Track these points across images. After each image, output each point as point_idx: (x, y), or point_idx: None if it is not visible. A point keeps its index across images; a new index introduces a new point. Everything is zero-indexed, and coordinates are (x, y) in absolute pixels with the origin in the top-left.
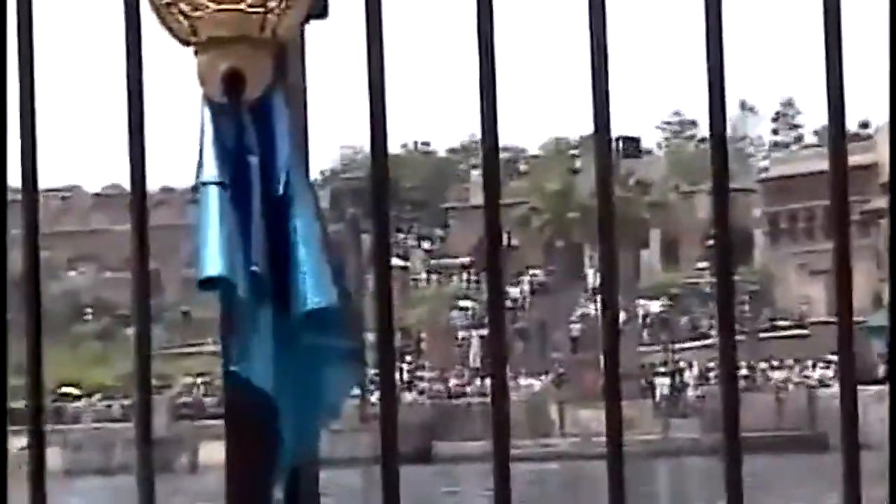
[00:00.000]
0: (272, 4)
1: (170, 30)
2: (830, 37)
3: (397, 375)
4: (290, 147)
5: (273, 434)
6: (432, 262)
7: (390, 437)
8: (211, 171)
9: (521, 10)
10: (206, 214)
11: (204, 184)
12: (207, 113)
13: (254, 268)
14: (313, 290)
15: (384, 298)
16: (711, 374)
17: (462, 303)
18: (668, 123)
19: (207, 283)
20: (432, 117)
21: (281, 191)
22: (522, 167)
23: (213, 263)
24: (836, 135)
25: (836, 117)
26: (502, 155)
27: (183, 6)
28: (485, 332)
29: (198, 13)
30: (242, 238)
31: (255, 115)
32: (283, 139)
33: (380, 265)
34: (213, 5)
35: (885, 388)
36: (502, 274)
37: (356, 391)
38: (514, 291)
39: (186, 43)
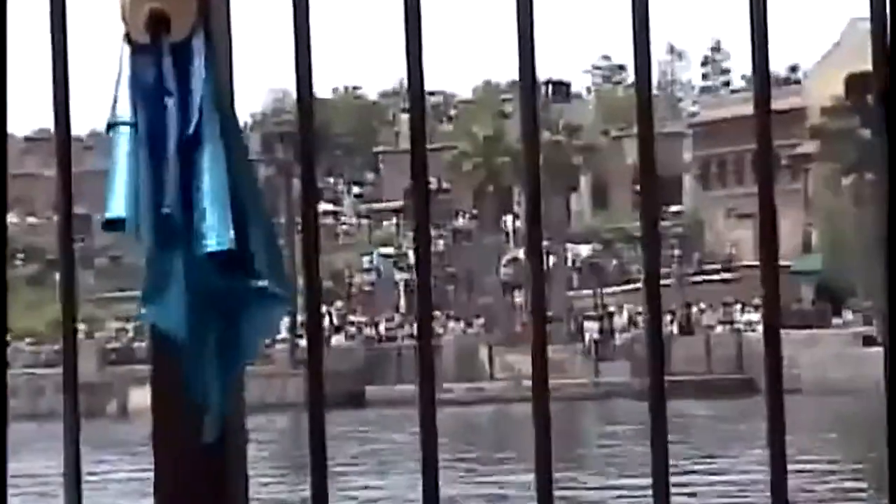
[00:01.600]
0: None
1: None
2: None
3: (327, 320)
4: (210, 90)
5: (195, 378)
6: (363, 206)
7: (317, 381)
8: (125, 111)
9: None
10: (117, 155)
11: (116, 124)
12: (127, 52)
13: (165, 209)
14: (213, 233)
15: (310, 242)
16: (640, 319)
17: (384, 249)
18: (598, 68)
19: (112, 225)
20: (363, 61)
21: (195, 133)
22: (452, 112)
23: (118, 205)
24: (761, 80)
25: (761, 63)
26: (432, 99)
27: None
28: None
29: None
30: (154, 180)
31: (176, 56)
32: (203, 82)
33: (306, 208)
34: None
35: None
36: (429, 218)
37: (283, 335)
38: (443, 236)
39: None
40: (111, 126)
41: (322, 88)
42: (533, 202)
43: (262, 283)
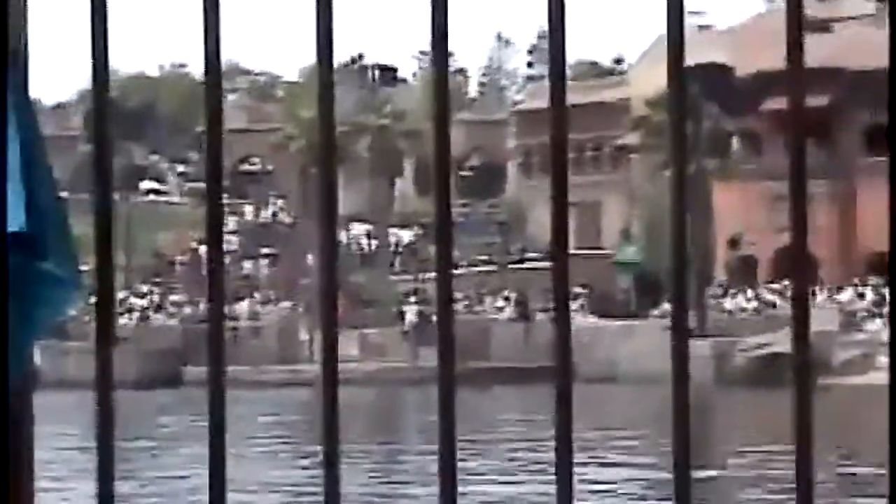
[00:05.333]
0: None
1: None
2: None
3: (147, 300)
4: (1, 64)
5: None
6: (187, 185)
7: (105, 357)
8: None
9: None
10: None
11: None
12: None
13: None
14: (7, 213)
15: (102, 219)
16: (460, 305)
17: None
18: (425, 53)
19: None
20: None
21: None
22: (279, 93)
23: None
24: (556, 71)
25: (557, 54)
26: (259, 80)
27: None
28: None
29: None
30: None
31: None
32: None
33: (98, 184)
34: None
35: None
36: (221, 205)
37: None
38: (266, 216)
39: None
40: None
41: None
42: (327, 186)
43: (49, 265)
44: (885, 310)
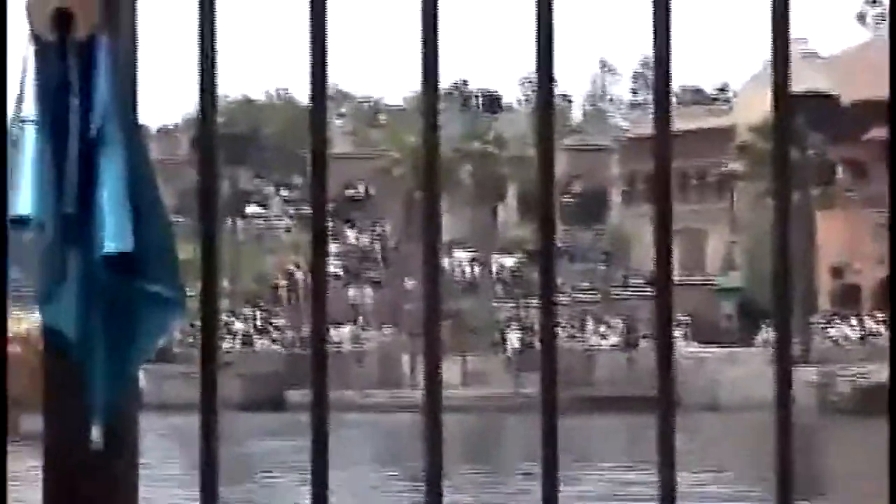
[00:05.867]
0: None
1: None
2: (658, 6)
3: (251, 324)
4: (112, 88)
5: (86, 376)
6: (291, 209)
7: (210, 381)
8: (29, 108)
9: None
10: (22, 153)
11: (22, 121)
12: (32, 50)
13: (67, 209)
14: (111, 235)
15: (209, 245)
16: (563, 332)
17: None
18: (529, 80)
19: (18, 223)
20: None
21: (96, 132)
22: (383, 118)
23: (23, 202)
24: (661, 99)
25: (662, 81)
26: (364, 105)
27: None
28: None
29: None
30: (56, 178)
31: (80, 54)
32: (105, 80)
33: (203, 209)
34: None
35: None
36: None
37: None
38: (369, 241)
39: None
40: (16, 123)
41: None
42: (431, 211)
43: (155, 286)
44: None
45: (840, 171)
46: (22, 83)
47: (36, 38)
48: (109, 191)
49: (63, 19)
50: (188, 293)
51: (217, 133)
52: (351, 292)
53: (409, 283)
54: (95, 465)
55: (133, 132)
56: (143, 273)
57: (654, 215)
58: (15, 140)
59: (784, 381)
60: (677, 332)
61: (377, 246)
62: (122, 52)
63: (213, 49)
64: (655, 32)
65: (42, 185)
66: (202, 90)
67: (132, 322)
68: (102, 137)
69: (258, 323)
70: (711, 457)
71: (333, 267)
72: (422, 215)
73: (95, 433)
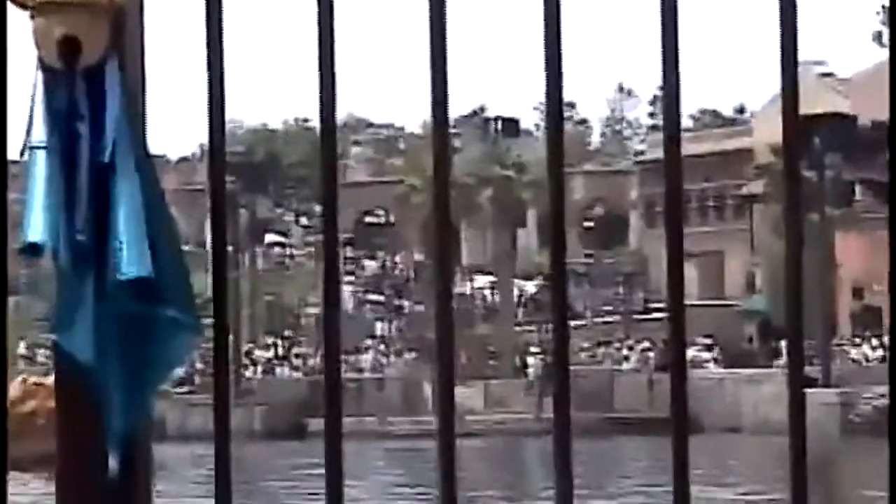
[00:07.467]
0: None
1: None
2: (667, 32)
3: (272, 352)
4: (121, 115)
5: (102, 402)
6: (311, 238)
7: (222, 410)
8: (39, 135)
9: None
10: (33, 179)
11: (32, 148)
12: (41, 77)
13: (79, 236)
14: (128, 261)
15: (219, 273)
16: (584, 355)
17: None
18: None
19: (30, 250)
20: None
21: (107, 159)
22: (402, 146)
23: (36, 229)
24: (671, 124)
25: (671, 107)
26: (383, 132)
27: None
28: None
29: None
30: (67, 205)
31: (88, 81)
32: (114, 107)
33: (215, 237)
34: None
35: (759, 371)
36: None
37: (190, 359)
38: (390, 267)
39: (23, 6)
40: (26, 150)
41: (272, 119)
42: (441, 238)
43: (171, 311)
44: None
45: (859, 192)
46: (31, 110)
47: (44, 64)
48: (125, 216)
49: (71, 46)
50: (201, 318)
51: (227, 162)
52: (372, 319)
53: (431, 309)
54: (110, 492)
55: (142, 158)
56: (159, 298)
57: (666, 242)
58: (25, 166)
59: (797, 406)
60: (706, 355)
61: (398, 272)
62: (130, 79)
63: (221, 82)
64: (664, 59)
65: (53, 211)
66: (210, 119)
67: (148, 347)
68: (112, 163)
69: (279, 351)
70: (736, 474)
71: (353, 293)
72: (434, 246)
73: (112, 461)
